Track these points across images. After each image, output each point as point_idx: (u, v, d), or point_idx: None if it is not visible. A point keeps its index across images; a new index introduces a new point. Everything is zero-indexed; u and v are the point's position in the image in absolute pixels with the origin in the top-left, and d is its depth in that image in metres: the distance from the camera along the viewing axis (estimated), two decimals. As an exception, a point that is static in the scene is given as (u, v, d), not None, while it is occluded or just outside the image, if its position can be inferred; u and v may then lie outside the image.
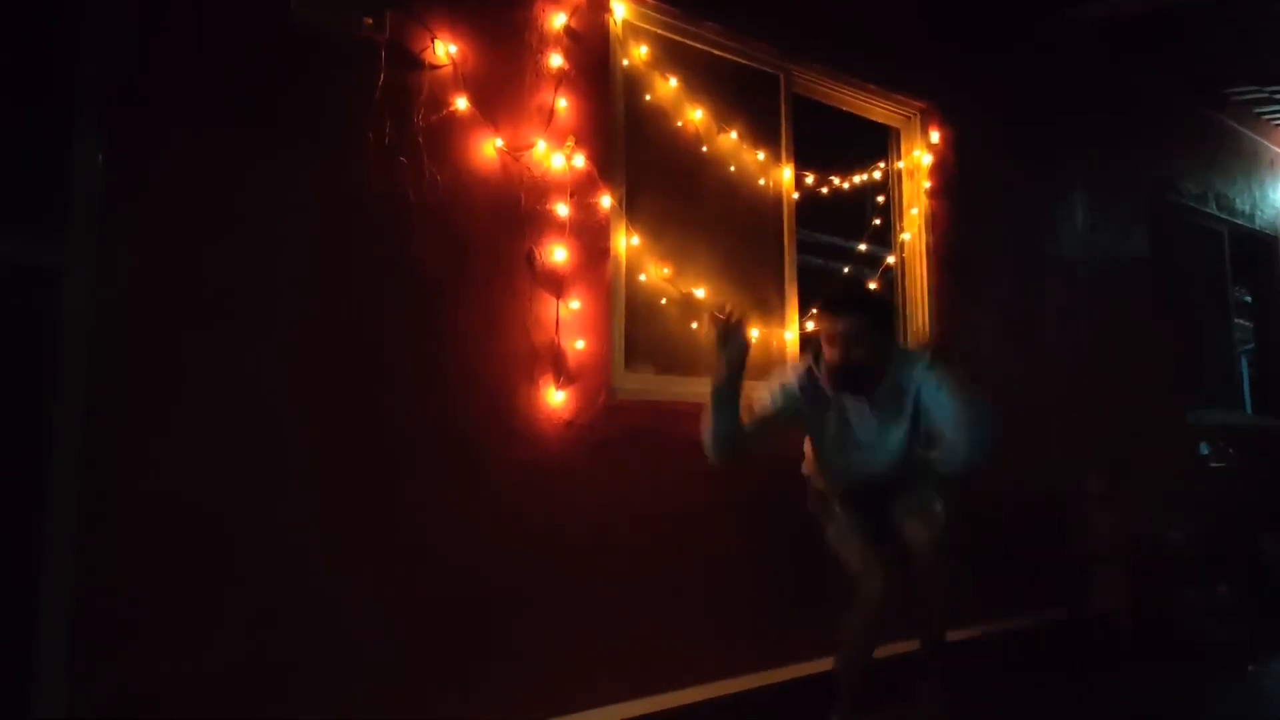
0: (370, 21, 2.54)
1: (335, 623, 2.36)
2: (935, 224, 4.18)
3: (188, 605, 2.17)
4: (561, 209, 2.89)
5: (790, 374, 2.85)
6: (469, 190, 2.72)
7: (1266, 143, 6.88)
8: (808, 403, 2.79)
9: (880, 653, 2.82)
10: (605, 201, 3.02)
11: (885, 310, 2.90)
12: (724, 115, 3.52)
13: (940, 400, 2.69)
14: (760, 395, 2.81)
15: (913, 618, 2.85)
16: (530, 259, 2.83)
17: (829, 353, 2.70)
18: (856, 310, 2.70)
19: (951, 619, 2.95)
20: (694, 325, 3.37)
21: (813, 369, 2.80)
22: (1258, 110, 6.52)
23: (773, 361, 3.59)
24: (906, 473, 2.85)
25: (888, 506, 2.85)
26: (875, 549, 2.74)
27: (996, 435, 2.67)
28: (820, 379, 2.78)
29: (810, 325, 3.61)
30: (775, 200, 3.69)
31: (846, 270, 4.04)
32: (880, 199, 4.16)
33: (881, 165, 4.20)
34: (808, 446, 3.01)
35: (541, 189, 2.87)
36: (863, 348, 2.66)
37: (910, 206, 4.19)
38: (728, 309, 2.58)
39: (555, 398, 2.82)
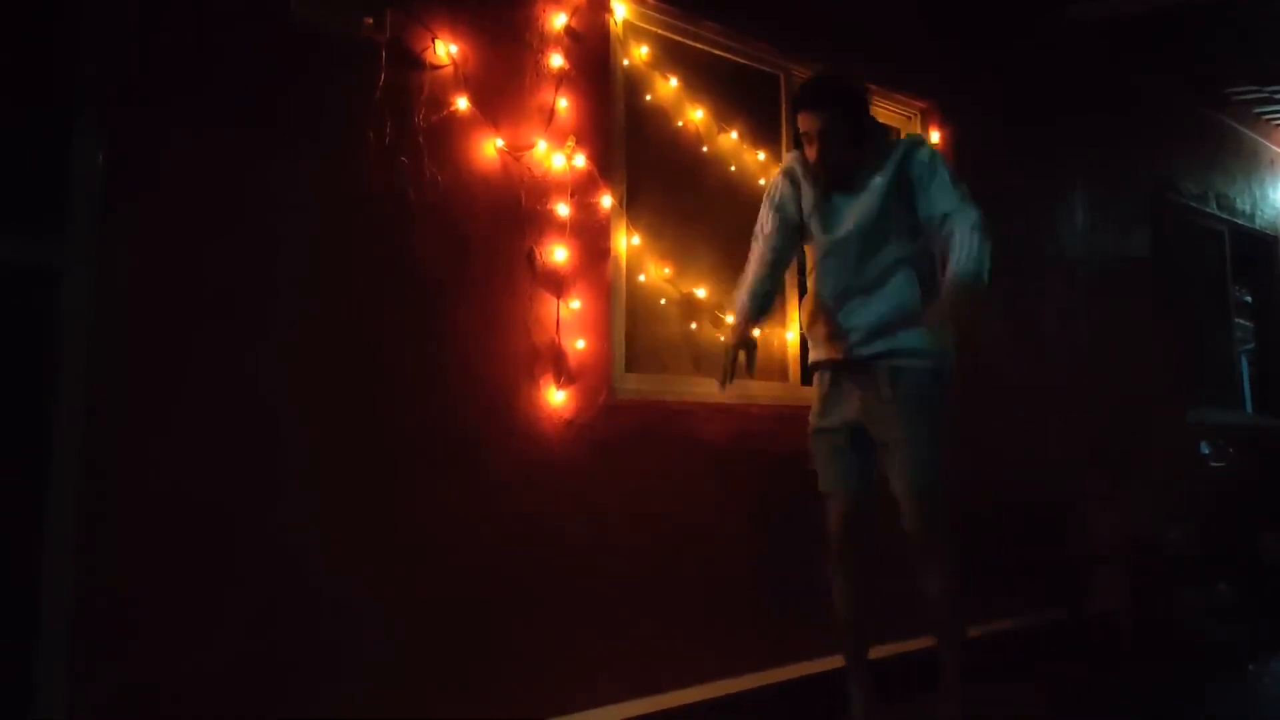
0: (371, 21, 2.54)
1: (335, 622, 2.36)
2: (935, 224, 4.17)
3: (188, 605, 2.16)
4: (562, 209, 2.89)
5: (771, 190, 2.84)
6: (469, 190, 2.72)
7: (1267, 143, 6.88)
8: (799, 203, 2.75)
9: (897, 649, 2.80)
10: (606, 201, 3.02)
11: (861, 99, 2.73)
12: (724, 115, 3.52)
13: (935, 179, 2.60)
14: (760, 225, 2.82)
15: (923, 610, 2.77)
16: (531, 259, 2.83)
17: (809, 152, 2.66)
18: (831, 103, 2.60)
19: (956, 608, 2.73)
20: (694, 325, 3.37)
21: (799, 171, 2.76)
22: (1258, 110, 6.53)
23: (774, 361, 3.59)
24: (899, 309, 2.64)
25: (867, 429, 2.67)
26: (851, 510, 2.72)
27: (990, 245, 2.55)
28: (806, 184, 2.74)
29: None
30: (775, 200, 3.69)
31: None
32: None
33: (882, 165, 4.20)
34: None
35: (542, 189, 2.87)
36: (842, 142, 2.60)
37: (910, 206, 4.18)
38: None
39: (556, 397, 2.82)
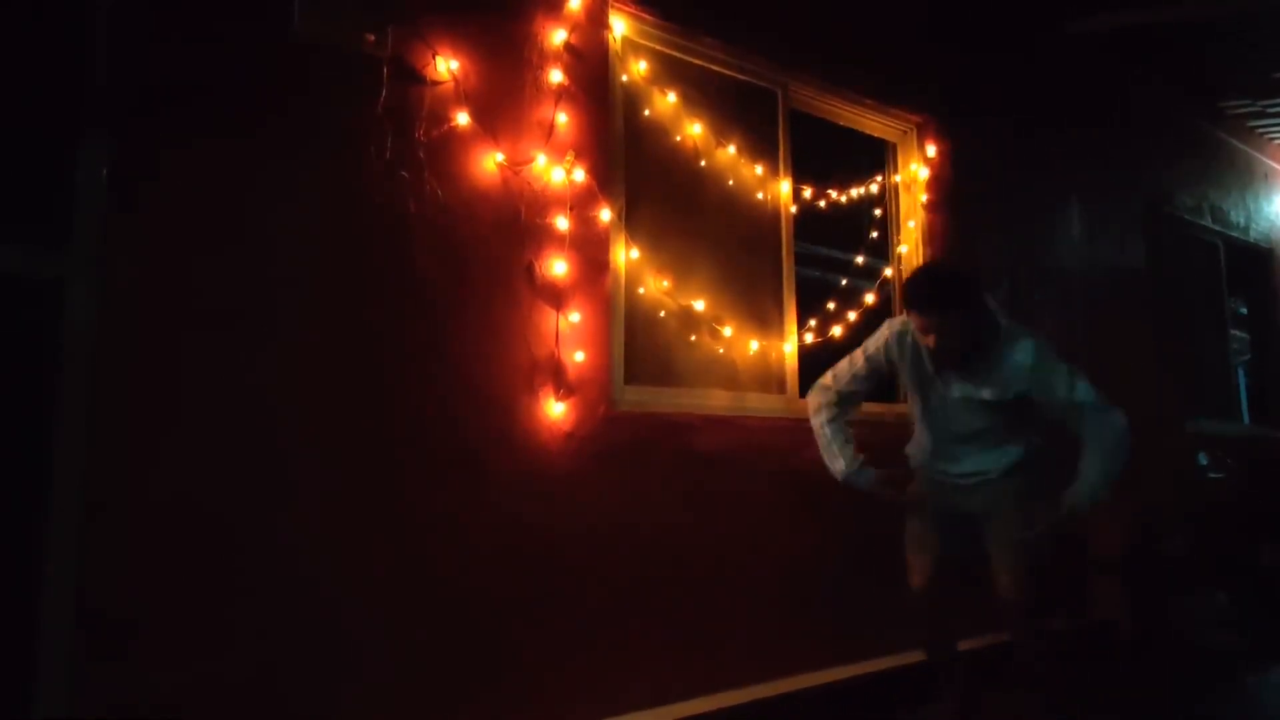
0: (373, 38, 2.57)
1: (336, 632, 2.37)
2: (932, 237, 4.21)
3: (188, 616, 2.17)
4: (561, 222, 2.92)
5: (877, 345, 2.86)
6: (470, 204, 2.74)
7: (1260, 156, 6.93)
8: (909, 366, 2.81)
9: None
10: (605, 215, 3.05)
11: (973, 293, 2.66)
12: (722, 130, 3.55)
13: (1067, 401, 2.62)
14: (852, 361, 2.89)
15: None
16: (530, 272, 2.85)
17: (926, 340, 2.67)
18: (947, 307, 2.59)
19: (1044, 656, 2.88)
20: (693, 337, 3.39)
21: (912, 339, 2.77)
22: (1250, 124, 6.58)
23: (772, 374, 3.61)
24: (1007, 465, 2.78)
25: (981, 522, 2.81)
26: (937, 572, 2.81)
27: (1128, 454, 2.62)
28: (921, 353, 2.76)
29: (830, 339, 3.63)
30: (773, 213, 3.72)
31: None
32: (878, 212, 4.19)
33: (879, 179, 4.23)
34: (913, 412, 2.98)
35: (541, 203, 2.89)
36: (959, 336, 2.62)
37: (907, 219, 4.21)
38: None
39: (555, 409, 2.83)
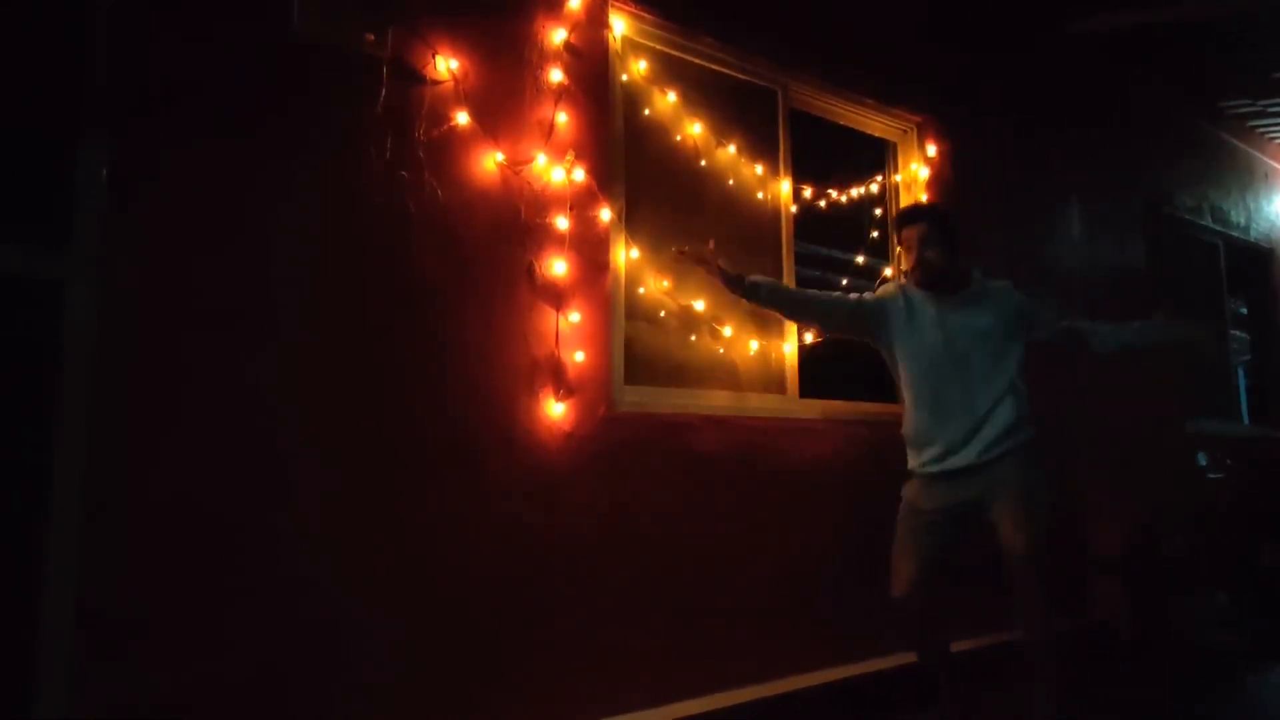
0: (372, 38, 2.57)
1: (337, 633, 2.37)
2: (932, 237, 4.19)
3: (189, 616, 2.17)
4: (561, 222, 2.92)
5: (885, 288, 3.13)
6: (469, 204, 2.74)
7: (1261, 155, 6.93)
8: (901, 313, 2.96)
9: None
10: (605, 215, 3.05)
11: (952, 218, 3.06)
12: (722, 129, 3.55)
13: (1057, 316, 3.11)
14: (878, 291, 3.13)
15: (1015, 625, 2.92)
16: (530, 272, 2.85)
17: (907, 259, 3.00)
18: (924, 216, 3.00)
19: (1050, 630, 2.89)
20: (693, 338, 3.39)
21: (905, 284, 3.05)
22: (1251, 124, 6.58)
23: (772, 374, 3.61)
24: (1003, 435, 2.85)
25: (983, 500, 2.84)
26: (924, 580, 2.81)
27: None
28: (916, 297, 2.98)
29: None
30: (774, 213, 3.72)
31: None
32: (878, 212, 4.19)
33: (879, 178, 4.23)
34: (905, 401, 3.01)
35: (541, 202, 2.89)
36: (935, 249, 2.91)
37: (907, 219, 4.20)
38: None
39: (555, 410, 2.83)
